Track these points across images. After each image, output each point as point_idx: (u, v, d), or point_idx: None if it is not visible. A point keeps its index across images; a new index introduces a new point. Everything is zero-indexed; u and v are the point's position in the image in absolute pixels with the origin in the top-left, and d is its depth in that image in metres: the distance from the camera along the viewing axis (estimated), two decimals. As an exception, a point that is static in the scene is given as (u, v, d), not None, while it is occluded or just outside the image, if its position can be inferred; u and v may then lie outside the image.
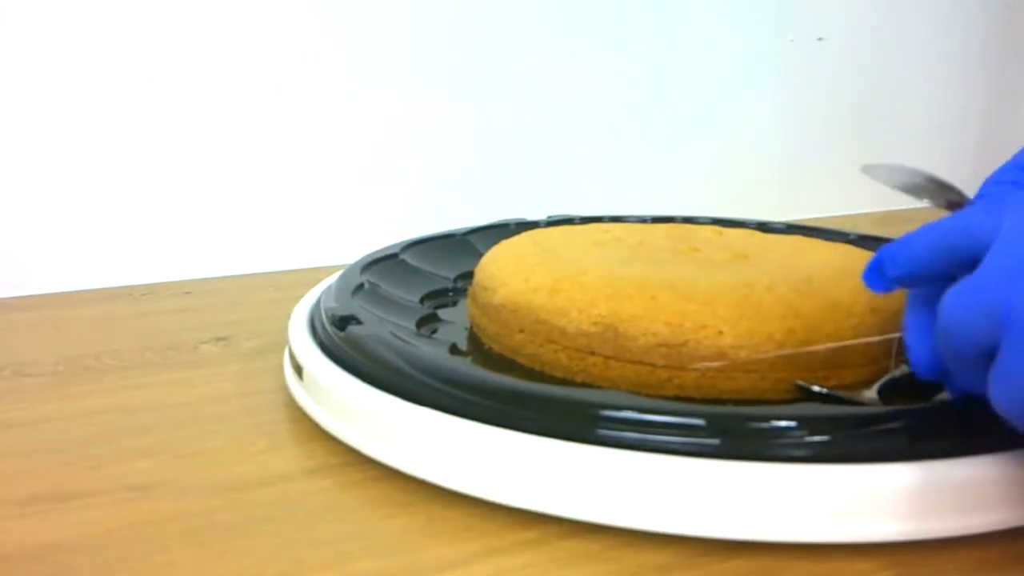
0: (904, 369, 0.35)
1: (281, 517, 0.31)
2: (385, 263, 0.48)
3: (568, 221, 0.54)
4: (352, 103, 0.63)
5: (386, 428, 0.33)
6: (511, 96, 0.68)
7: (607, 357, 0.36)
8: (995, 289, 0.25)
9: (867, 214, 0.81)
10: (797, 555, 0.29)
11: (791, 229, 0.55)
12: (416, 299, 0.46)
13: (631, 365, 0.36)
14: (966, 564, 0.29)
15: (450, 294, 0.49)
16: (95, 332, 0.49)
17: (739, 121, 0.78)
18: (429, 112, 0.65)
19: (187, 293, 0.57)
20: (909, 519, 0.29)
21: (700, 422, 0.30)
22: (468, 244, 0.53)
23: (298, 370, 0.38)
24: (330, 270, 0.48)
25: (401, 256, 0.50)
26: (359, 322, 0.38)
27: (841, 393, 0.34)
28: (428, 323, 0.44)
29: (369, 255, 0.49)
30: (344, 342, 0.37)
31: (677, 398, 0.35)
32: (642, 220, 0.55)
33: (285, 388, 0.40)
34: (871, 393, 0.33)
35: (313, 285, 0.47)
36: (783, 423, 0.30)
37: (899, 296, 0.38)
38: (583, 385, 0.37)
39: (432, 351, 0.37)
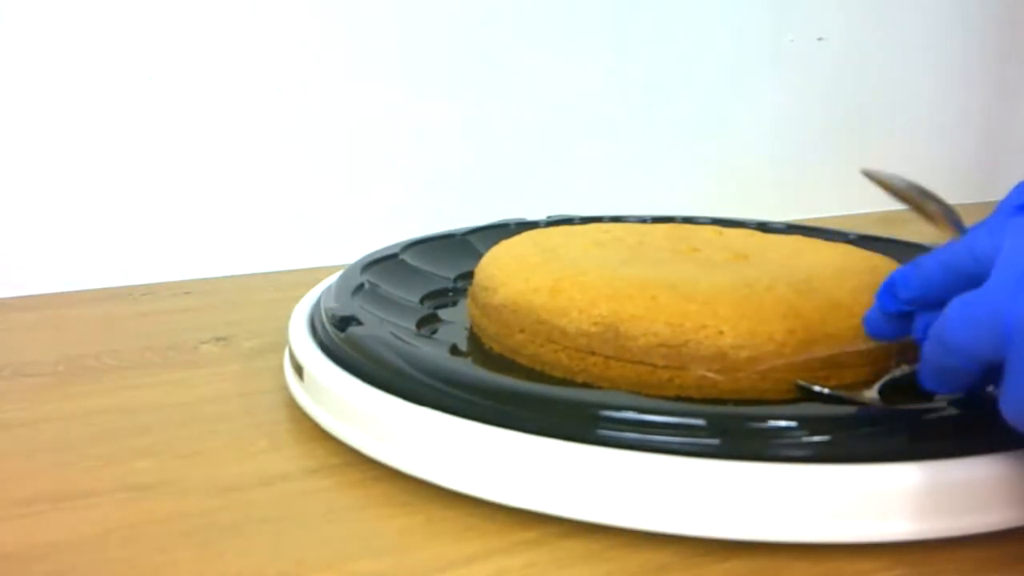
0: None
1: (281, 517, 0.31)
2: (385, 263, 0.48)
3: (568, 221, 0.54)
4: (352, 103, 0.63)
5: (386, 428, 0.33)
6: (511, 96, 0.68)
7: (607, 357, 0.36)
8: (997, 302, 0.26)
9: (867, 214, 0.81)
10: (797, 555, 0.29)
11: (791, 229, 0.55)
12: (416, 299, 0.46)
13: (631, 365, 0.36)
14: (966, 564, 0.29)
15: (450, 294, 0.48)
16: (95, 332, 0.49)
17: (739, 121, 0.78)
18: (429, 112, 0.65)
19: (187, 293, 0.57)
20: (909, 519, 0.29)
21: (700, 422, 0.30)
22: (468, 244, 0.53)
23: (298, 370, 0.38)
24: (330, 270, 0.48)
25: (401, 256, 0.50)
26: (359, 322, 0.38)
27: (841, 393, 0.34)
28: (428, 323, 0.44)
29: (369, 255, 0.49)
30: (344, 342, 0.37)
31: (677, 398, 0.35)
32: (642, 220, 0.55)
33: (285, 388, 0.40)
34: (871, 393, 0.33)
35: (313, 285, 0.47)
36: (783, 423, 0.30)
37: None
38: (583, 385, 0.37)
39: (432, 351, 0.37)
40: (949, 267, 0.30)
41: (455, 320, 0.45)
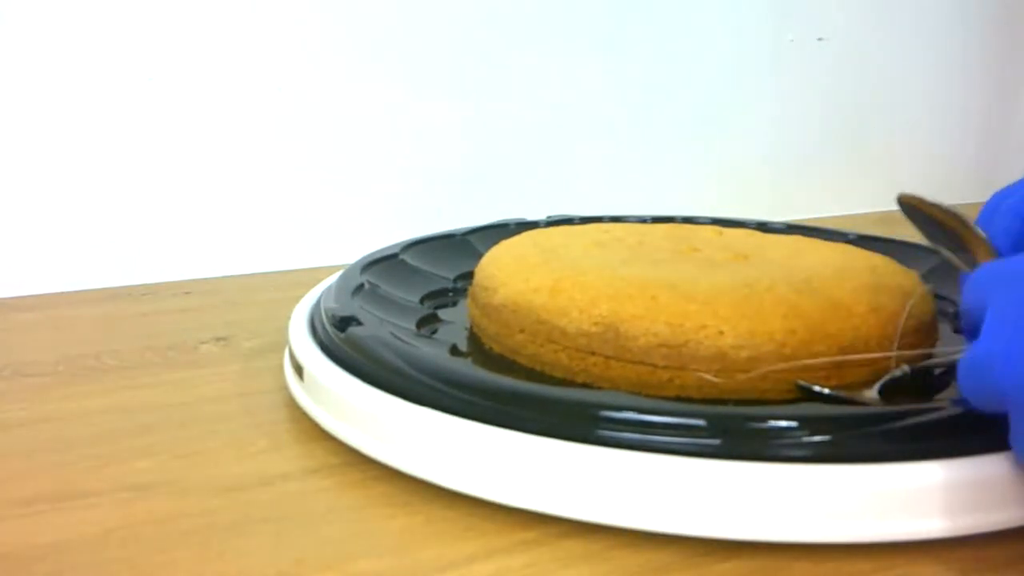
0: (905, 369, 0.35)
1: (281, 517, 0.31)
2: (385, 263, 0.48)
3: (568, 221, 0.54)
4: (352, 103, 0.63)
5: (386, 428, 0.33)
6: (511, 96, 0.68)
7: (608, 357, 0.36)
8: (989, 354, 0.26)
9: (867, 214, 0.81)
10: (797, 555, 0.29)
11: (791, 229, 0.55)
12: (416, 299, 0.46)
13: (632, 365, 0.36)
14: (966, 564, 0.29)
15: (450, 294, 0.48)
16: (95, 332, 0.49)
17: (739, 121, 0.78)
18: (429, 112, 0.65)
19: (187, 293, 0.57)
20: (909, 519, 0.29)
21: (700, 422, 0.30)
22: (468, 244, 0.53)
23: (298, 370, 0.38)
24: (330, 270, 0.48)
25: (401, 256, 0.50)
26: (359, 323, 0.38)
27: (842, 393, 0.34)
28: (428, 323, 0.44)
29: (369, 255, 0.49)
30: (344, 342, 0.37)
31: (678, 398, 0.35)
32: (642, 220, 0.55)
33: (285, 388, 0.40)
34: (872, 393, 0.33)
35: (313, 285, 0.47)
36: (783, 423, 0.30)
37: (900, 297, 0.38)
38: (583, 385, 0.37)
39: (432, 351, 0.37)
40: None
41: (455, 320, 0.45)
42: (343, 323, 0.38)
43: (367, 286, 0.44)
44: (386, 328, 0.38)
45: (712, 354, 0.35)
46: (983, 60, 0.88)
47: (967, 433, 0.30)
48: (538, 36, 0.68)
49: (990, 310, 0.27)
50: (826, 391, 0.34)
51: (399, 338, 0.37)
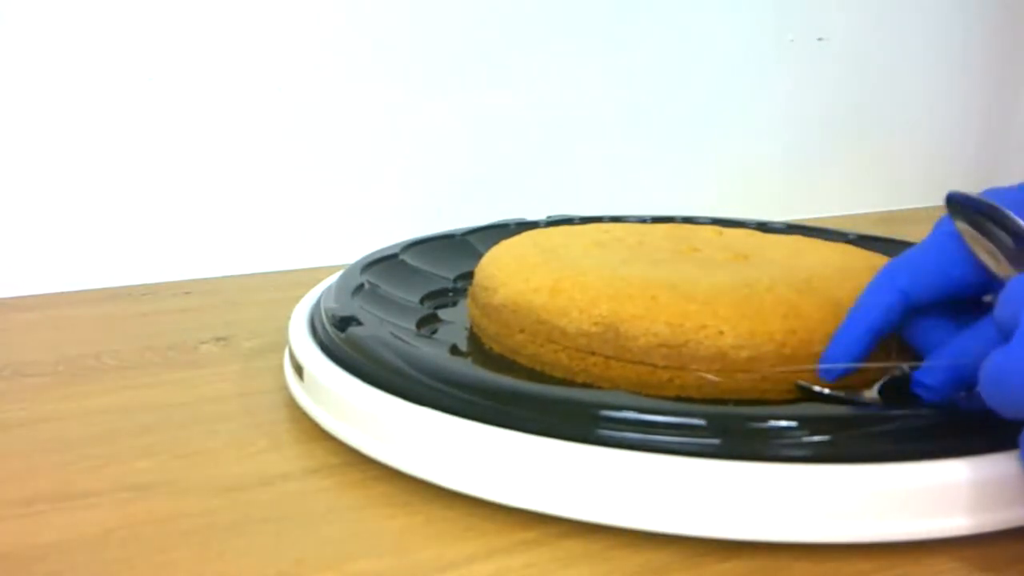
0: (904, 369, 0.35)
1: (281, 517, 0.31)
2: (385, 263, 0.48)
3: (568, 221, 0.54)
4: (352, 103, 0.63)
5: (386, 428, 0.33)
6: (511, 96, 0.68)
7: (608, 357, 0.36)
8: (1019, 363, 0.26)
9: (867, 214, 0.81)
10: (797, 555, 0.29)
11: (791, 229, 0.55)
12: (416, 299, 0.46)
13: (632, 365, 0.36)
14: (966, 564, 0.29)
15: (450, 294, 0.48)
16: (95, 332, 0.49)
17: (739, 121, 0.78)
18: (429, 112, 0.65)
19: (187, 293, 0.57)
20: (909, 519, 0.29)
21: (700, 422, 0.30)
22: (468, 244, 0.53)
23: (298, 370, 0.38)
24: (330, 270, 0.48)
25: (401, 256, 0.50)
26: (359, 323, 0.38)
27: (841, 393, 0.34)
28: (428, 323, 0.44)
29: (369, 255, 0.49)
30: (344, 342, 0.37)
31: (678, 398, 0.35)
32: (642, 220, 0.55)
33: (285, 388, 0.40)
34: (871, 393, 0.33)
35: (313, 285, 0.47)
36: (783, 423, 0.30)
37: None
38: (584, 385, 0.37)
39: (432, 351, 0.37)
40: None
41: (455, 320, 0.45)
42: (343, 323, 0.38)
43: (367, 286, 0.44)
44: (386, 328, 0.38)
45: (712, 354, 0.35)
46: (983, 60, 0.88)
47: (967, 433, 0.30)
48: (538, 36, 0.68)
49: (1023, 322, 0.27)
50: (826, 391, 0.34)
51: (399, 338, 0.37)
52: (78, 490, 0.33)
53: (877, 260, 0.42)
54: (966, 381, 0.31)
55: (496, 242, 0.46)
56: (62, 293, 0.56)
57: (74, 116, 0.56)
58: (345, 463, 0.34)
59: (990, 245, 0.32)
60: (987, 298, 0.33)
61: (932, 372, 0.32)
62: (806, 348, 0.35)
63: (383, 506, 0.32)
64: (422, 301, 0.46)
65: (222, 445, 0.36)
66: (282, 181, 0.62)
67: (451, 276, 0.50)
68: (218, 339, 0.48)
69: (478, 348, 0.41)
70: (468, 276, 0.46)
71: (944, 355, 0.32)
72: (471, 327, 0.43)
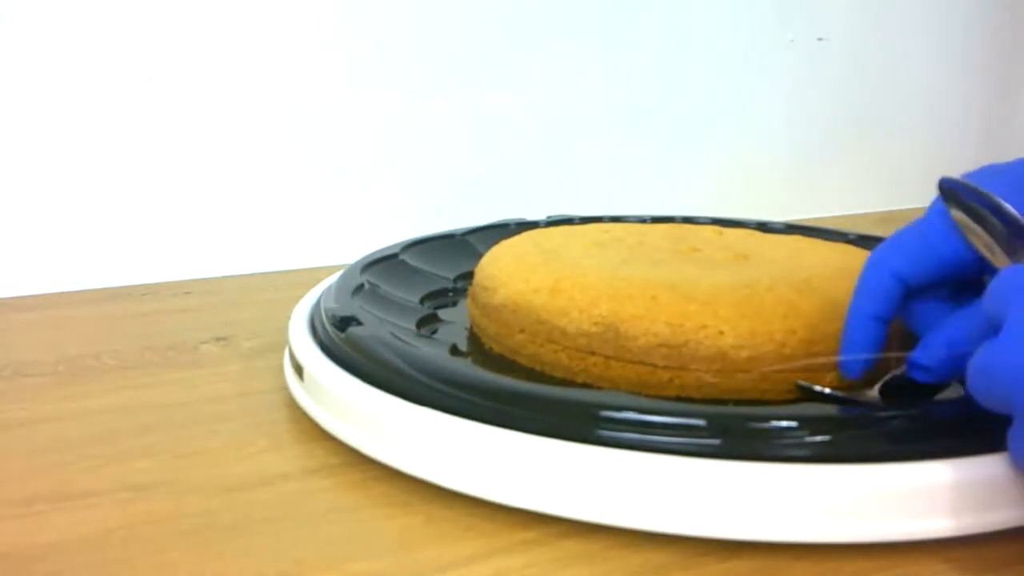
0: (904, 369, 0.35)
1: (281, 517, 0.31)
2: (385, 263, 0.48)
3: (568, 221, 0.54)
4: (352, 103, 0.63)
5: (386, 428, 0.33)
6: (511, 96, 0.68)
7: (608, 357, 0.36)
8: (1008, 355, 0.26)
9: (867, 214, 0.81)
10: (797, 555, 0.29)
11: (791, 229, 0.55)
12: (416, 299, 0.46)
13: (632, 365, 0.36)
14: (966, 564, 0.29)
15: (450, 294, 0.48)
16: (95, 332, 0.49)
17: (739, 121, 0.78)
18: (429, 112, 0.65)
19: (187, 293, 0.57)
20: (909, 519, 0.29)
21: (700, 422, 0.30)
22: (468, 244, 0.53)
23: (298, 370, 0.38)
24: (330, 270, 0.48)
25: (401, 256, 0.50)
26: (359, 323, 0.38)
27: (842, 393, 0.34)
28: (428, 323, 0.44)
29: (369, 255, 0.49)
30: (344, 342, 0.37)
31: (678, 398, 0.35)
32: (642, 220, 0.55)
33: (285, 388, 0.40)
34: (872, 393, 0.33)
35: (313, 285, 0.47)
36: (784, 423, 0.30)
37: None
38: (583, 385, 0.37)
39: (432, 351, 0.37)
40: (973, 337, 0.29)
41: (455, 320, 0.45)
42: (343, 323, 0.38)
43: (367, 286, 0.44)
44: (386, 328, 0.38)
45: (712, 354, 0.35)
46: (983, 60, 0.88)
47: (967, 433, 0.30)
48: (538, 36, 0.68)
49: (1011, 316, 0.27)
50: (826, 391, 0.34)
51: (399, 338, 0.37)
52: (78, 490, 0.33)
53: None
54: (965, 362, 0.30)
55: (496, 242, 0.46)
56: (62, 293, 0.56)
57: (74, 116, 0.56)
58: (345, 463, 0.34)
59: (984, 235, 0.31)
60: (986, 278, 0.33)
61: (927, 352, 0.32)
62: (806, 348, 0.35)
63: (383, 506, 0.32)
64: (422, 301, 0.46)
65: (222, 445, 0.36)
66: (282, 181, 0.62)
67: (451, 276, 0.50)
68: (218, 339, 0.48)
69: (478, 348, 0.41)
70: (468, 276, 0.46)
71: (939, 335, 0.31)
72: (471, 327, 0.43)
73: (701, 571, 0.28)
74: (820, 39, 0.79)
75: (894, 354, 0.34)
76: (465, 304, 0.45)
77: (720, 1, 0.74)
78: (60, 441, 0.36)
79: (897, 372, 0.34)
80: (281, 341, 0.42)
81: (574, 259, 0.41)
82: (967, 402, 0.31)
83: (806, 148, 0.81)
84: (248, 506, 0.32)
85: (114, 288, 0.57)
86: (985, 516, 0.29)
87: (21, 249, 0.56)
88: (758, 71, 0.77)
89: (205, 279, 0.59)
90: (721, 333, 0.35)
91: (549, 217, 0.57)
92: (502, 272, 0.41)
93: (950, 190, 0.32)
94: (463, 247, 0.52)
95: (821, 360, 0.35)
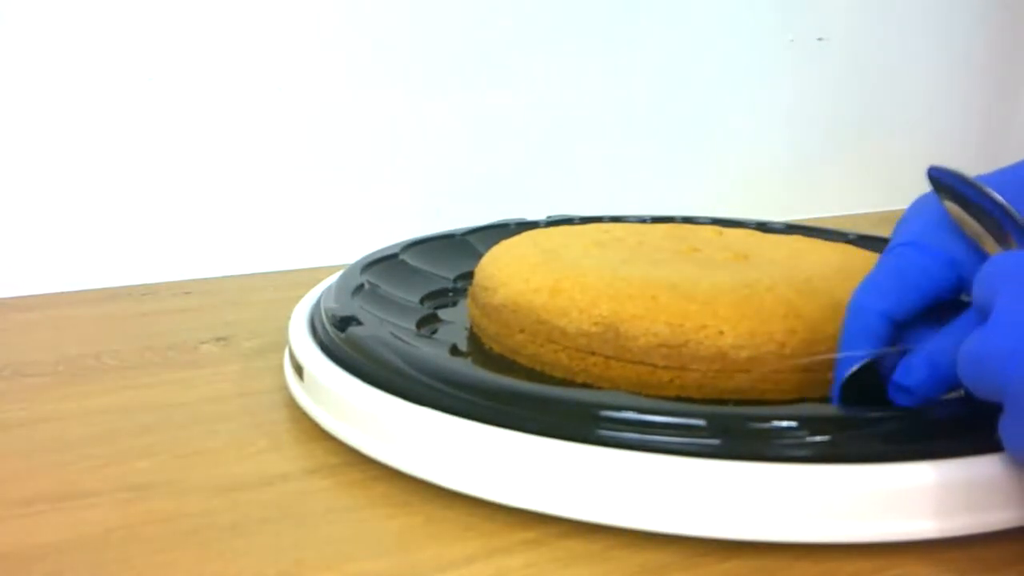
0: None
1: (281, 517, 0.31)
2: (385, 263, 0.48)
3: (568, 221, 0.54)
4: (352, 103, 0.63)
5: (386, 428, 0.33)
6: (511, 96, 0.68)
7: (608, 357, 0.36)
8: (994, 343, 0.26)
9: (867, 214, 0.81)
10: (797, 555, 0.29)
11: (791, 229, 0.55)
12: (416, 299, 0.46)
13: (632, 365, 0.36)
14: (966, 564, 0.29)
15: (450, 294, 0.48)
16: (95, 332, 0.49)
17: (739, 121, 0.78)
18: (429, 112, 0.65)
19: (187, 293, 0.57)
20: (909, 519, 0.29)
21: (700, 422, 0.30)
22: (468, 244, 0.53)
23: (298, 370, 0.38)
24: (330, 270, 0.48)
25: (401, 256, 0.50)
26: (359, 323, 0.38)
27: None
28: (428, 323, 0.44)
29: (369, 255, 0.49)
30: (344, 342, 0.37)
31: (678, 398, 0.35)
32: (642, 220, 0.55)
33: (285, 388, 0.40)
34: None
35: (313, 285, 0.47)
36: (784, 423, 0.30)
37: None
38: (584, 385, 0.37)
39: (432, 351, 0.37)
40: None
41: (455, 320, 0.45)
42: (343, 323, 0.38)
43: (367, 286, 0.44)
44: (386, 328, 0.38)
45: (712, 354, 0.35)
46: (983, 60, 0.88)
47: (966, 434, 0.30)
48: (538, 36, 0.68)
49: (999, 302, 0.27)
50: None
51: (399, 338, 0.37)
52: (78, 490, 0.33)
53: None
54: (948, 381, 0.30)
55: (496, 242, 0.46)
56: (62, 293, 0.56)
57: (74, 116, 0.56)
58: (345, 463, 0.34)
59: (975, 223, 0.31)
60: (964, 297, 0.33)
61: (910, 372, 0.31)
62: (806, 348, 0.35)
63: (383, 506, 0.32)
64: (422, 301, 0.46)
65: (222, 445, 0.36)
66: (282, 181, 0.62)
67: (451, 276, 0.50)
68: (218, 339, 0.48)
69: (478, 348, 0.41)
70: (468, 276, 0.46)
71: (919, 355, 0.31)
72: (471, 327, 0.43)
73: (701, 571, 0.28)
74: (820, 39, 0.79)
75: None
76: (465, 304, 0.45)
77: (720, 1, 0.74)
78: (60, 441, 0.36)
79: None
80: (281, 341, 0.42)
81: (574, 259, 0.41)
82: (966, 402, 0.31)
83: (806, 148, 0.81)
84: (248, 506, 0.32)
85: (114, 288, 0.57)
86: (985, 516, 0.29)
87: (21, 249, 0.56)
88: (758, 71, 0.77)
89: (205, 279, 0.59)
90: (721, 333, 0.35)
91: (549, 217, 0.57)
92: (502, 272, 0.41)
93: (940, 180, 0.32)
94: (463, 247, 0.52)
95: (821, 360, 0.35)
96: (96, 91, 0.56)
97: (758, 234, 0.50)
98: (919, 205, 0.35)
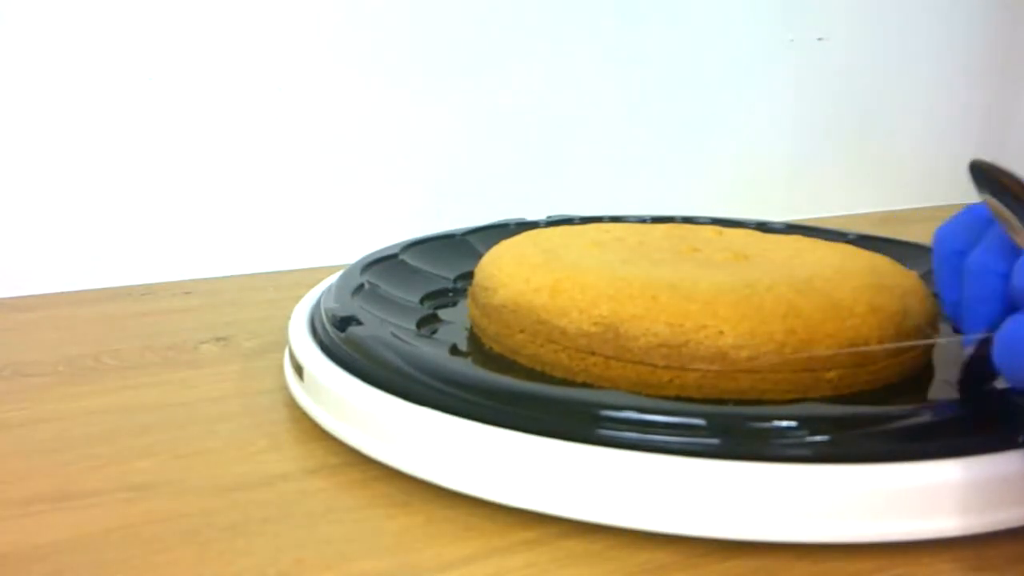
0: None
1: (281, 517, 0.31)
2: (385, 263, 0.48)
3: (568, 221, 0.54)
4: (352, 103, 0.63)
5: (386, 428, 0.33)
6: (511, 96, 0.68)
7: (608, 357, 0.36)
8: None
9: (867, 214, 0.81)
10: (797, 555, 0.29)
11: (791, 229, 0.55)
12: (416, 299, 0.46)
13: (632, 365, 0.36)
14: (966, 564, 0.29)
15: (450, 294, 0.48)
16: (95, 332, 0.49)
17: (739, 121, 0.78)
18: (429, 112, 0.65)
19: (187, 293, 0.57)
20: (909, 519, 0.29)
21: (700, 422, 0.30)
22: (468, 244, 0.53)
23: (298, 370, 0.38)
24: (330, 270, 0.48)
25: (401, 256, 0.50)
26: (359, 322, 0.38)
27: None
28: (428, 323, 0.44)
29: (369, 255, 0.49)
30: (344, 342, 0.37)
31: (678, 398, 0.35)
32: (642, 220, 0.55)
33: (285, 388, 0.40)
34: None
35: (313, 285, 0.47)
36: (784, 423, 0.30)
37: (900, 297, 0.38)
38: (584, 385, 0.37)
39: (432, 351, 0.37)
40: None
41: (455, 320, 0.45)
42: (343, 323, 0.38)
43: (367, 286, 0.44)
44: (386, 328, 0.38)
45: (712, 354, 0.35)
46: (984, 60, 0.88)
47: (968, 433, 0.30)
48: (538, 37, 0.68)
49: None
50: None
51: (399, 338, 0.37)
52: (78, 490, 0.33)
53: (877, 260, 0.42)
54: None
55: (496, 242, 0.46)
56: (62, 293, 0.56)
57: (74, 116, 0.56)
58: (345, 463, 0.34)
59: (1011, 215, 0.31)
60: None
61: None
62: (806, 348, 0.35)
63: (383, 506, 0.32)
64: (422, 301, 0.46)
65: (222, 445, 0.36)
66: (282, 181, 0.62)
67: (451, 276, 0.50)
68: (218, 339, 0.48)
69: (478, 348, 0.41)
70: (468, 276, 0.46)
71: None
72: (471, 327, 0.43)
73: (701, 571, 0.28)
74: (820, 39, 0.79)
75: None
76: (465, 304, 0.45)
77: (720, 1, 0.74)
78: (60, 441, 0.36)
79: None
80: (281, 341, 0.42)
81: (574, 259, 0.41)
82: (966, 402, 0.31)
83: (806, 148, 0.81)
84: (248, 506, 0.32)
85: (114, 288, 0.57)
86: (985, 516, 0.29)
87: (21, 249, 0.56)
88: (758, 71, 0.77)
89: (205, 279, 0.59)
90: (721, 333, 0.35)
91: (549, 217, 0.57)
92: (502, 272, 0.41)
93: (980, 171, 0.32)
94: (463, 247, 0.52)
95: (821, 360, 0.35)
96: (96, 91, 0.56)
97: (758, 234, 0.50)
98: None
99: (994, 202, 0.31)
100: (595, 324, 0.36)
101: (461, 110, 0.66)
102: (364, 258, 0.48)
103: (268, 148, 0.61)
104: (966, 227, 0.33)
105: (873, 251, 0.45)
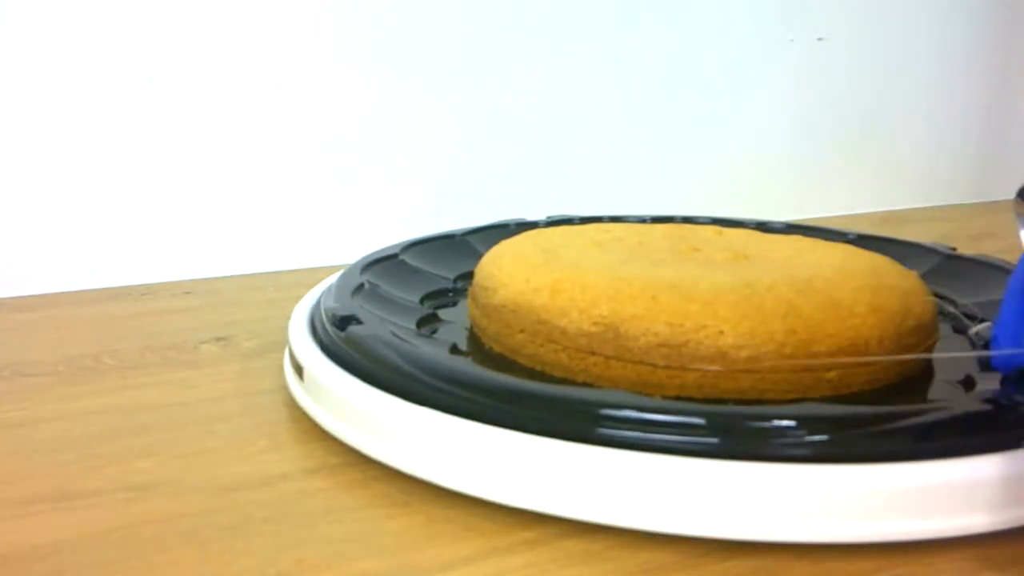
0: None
1: (281, 517, 0.31)
2: (385, 263, 0.48)
3: (568, 221, 0.54)
4: (352, 103, 0.63)
5: (386, 428, 0.33)
6: (511, 97, 0.68)
7: (608, 357, 0.36)
8: None
9: (867, 214, 0.81)
10: (797, 555, 0.29)
11: (791, 229, 0.55)
12: (416, 299, 0.46)
13: (632, 365, 0.36)
14: (966, 564, 0.29)
15: (450, 294, 0.48)
16: (95, 332, 0.49)
17: (739, 121, 0.78)
18: (429, 112, 0.65)
19: (187, 293, 0.57)
20: (909, 519, 0.29)
21: (700, 421, 0.30)
22: (468, 244, 0.53)
23: (298, 370, 0.38)
24: (330, 270, 0.48)
25: (401, 256, 0.50)
26: (359, 322, 0.38)
27: None
28: (428, 323, 0.44)
29: (369, 255, 0.49)
30: (344, 342, 0.37)
31: (678, 398, 0.35)
32: (642, 220, 0.55)
33: (285, 388, 0.40)
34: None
35: (313, 285, 0.47)
36: (783, 423, 0.30)
37: (900, 297, 0.38)
38: (584, 385, 0.37)
39: (432, 351, 0.37)
40: None
41: (455, 320, 0.45)
42: (343, 322, 0.38)
43: (367, 286, 0.44)
44: (386, 328, 0.38)
45: (712, 354, 0.35)
46: (984, 60, 0.88)
47: (967, 433, 0.30)
48: (538, 37, 0.68)
49: None
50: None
51: (399, 338, 0.37)
52: (78, 490, 0.33)
53: (877, 260, 0.42)
54: None
55: (496, 242, 0.46)
56: (62, 293, 0.56)
57: (74, 116, 0.56)
58: (345, 463, 0.34)
59: None
60: None
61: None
62: (806, 348, 0.35)
63: (383, 506, 0.32)
64: (422, 301, 0.46)
65: (222, 445, 0.36)
66: (282, 181, 0.62)
67: (451, 276, 0.50)
68: (218, 339, 0.48)
69: (478, 348, 0.41)
70: (468, 276, 0.46)
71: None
72: (471, 327, 0.43)
73: (701, 571, 0.28)
74: (820, 39, 0.79)
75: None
76: (465, 304, 0.45)
77: (720, 1, 0.74)
78: (60, 441, 0.36)
79: None
80: (281, 341, 0.42)
81: (574, 259, 0.41)
82: (966, 402, 0.31)
83: (806, 148, 0.81)
84: (248, 506, 0.32)
85: (114, 288, 0.57)
86: (985, 516, 0.29)
87: (21, 249, 0.56)
88: (758, 71, 0.77)
89: (205, 279, 0.59)
90: (721, 333, 0.35)
91: (549, 217, 0.57)
92: (502, 272, 0.41)
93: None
94: (463, 247, 0.52)
95: (821, 360, 0.35)
96: (96, 91, 0.56)
97: (758, 234, 0.50)
98: None
99: None
100: (595, 324, 0.36)
101: (461, 110, 0.66)
102: (364, 258, 0.48)
103: (268, 148, 0.61)
104: None
105: (873, 251, 0.45)
